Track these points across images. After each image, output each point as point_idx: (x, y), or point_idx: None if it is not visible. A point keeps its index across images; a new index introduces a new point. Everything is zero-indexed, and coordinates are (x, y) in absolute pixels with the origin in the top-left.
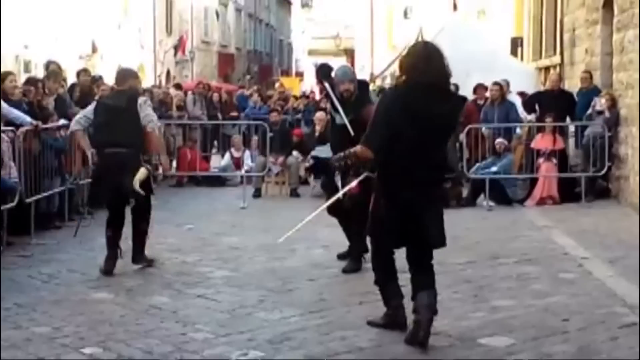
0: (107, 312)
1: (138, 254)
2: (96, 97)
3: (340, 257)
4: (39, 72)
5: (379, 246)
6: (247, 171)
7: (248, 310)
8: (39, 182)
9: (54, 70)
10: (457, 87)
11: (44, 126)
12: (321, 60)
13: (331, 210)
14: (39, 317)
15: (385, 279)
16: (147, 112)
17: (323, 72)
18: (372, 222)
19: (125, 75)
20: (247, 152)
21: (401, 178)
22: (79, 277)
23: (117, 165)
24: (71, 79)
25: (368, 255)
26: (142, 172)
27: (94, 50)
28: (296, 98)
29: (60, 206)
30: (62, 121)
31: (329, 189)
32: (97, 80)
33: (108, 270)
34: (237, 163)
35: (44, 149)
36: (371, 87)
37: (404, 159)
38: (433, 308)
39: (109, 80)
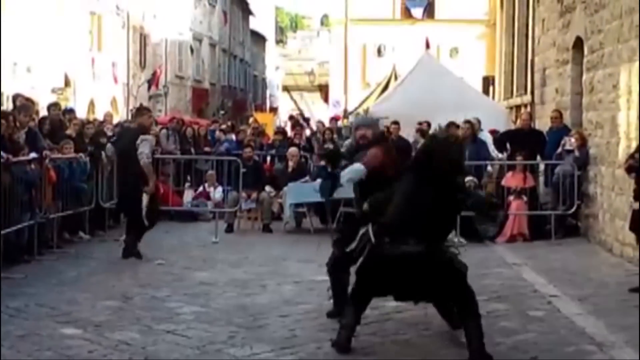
0: (75, 348)
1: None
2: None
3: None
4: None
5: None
6: (216, 205)
7: (218, 347)
8: (8, 215)
9: (25, 104)
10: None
11: (15, 159)
12: (296, 94)
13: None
14: (5, 352)
15: (354, 301)
16: (141, 149)
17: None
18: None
19: (136, 114)
20: (219, 188)
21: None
22: (47, 312)
23: (132, 189)
24: (43, 112)
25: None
26: (144, 197)
27: (67, 83)
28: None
29: (29, 240)
30: (33, 155)
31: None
32: (69, 113)
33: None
34: (207, 196)
35: (14, 183)
36: (344, 123)
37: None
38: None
39: (81, 113)
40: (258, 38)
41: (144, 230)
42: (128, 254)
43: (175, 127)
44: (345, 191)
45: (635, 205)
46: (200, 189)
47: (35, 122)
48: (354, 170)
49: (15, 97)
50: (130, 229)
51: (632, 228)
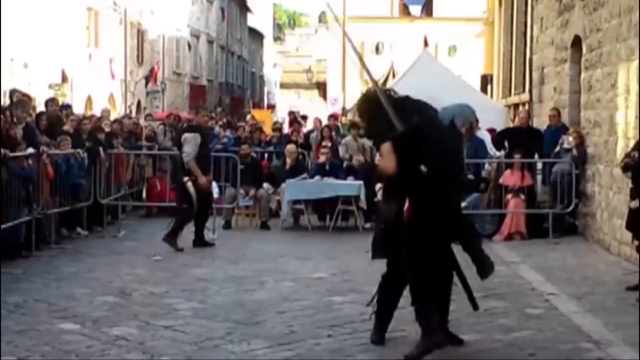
0: (73, 343)
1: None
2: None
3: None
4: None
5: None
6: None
7: (216, 342)
8: (5, 211)
9: (22, 99)
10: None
11: (12, 155)
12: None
13: None
14: (3, 347)
15: (422, 295)
16: (184, 148)
17: None
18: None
19: (195, 112)
20: (214, 184)
21: None
22: (45, 307)
23: (180, 182)
24: (40, 108)
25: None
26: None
27: (64, 79)
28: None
29: (27, 236)
30: (30, 150)
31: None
32: (66, 109)
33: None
34: None
35: (11, 178)
36: (343, 120)
37: None
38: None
39: (79, 109)
40: (256, 35)
41: (185, 221)
42: (198, 243)
43: (172, 123)
44: (344, 189)
45: (633, 204)
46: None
47: (32, 117)
48: None
49: (12, 93)
50: (196, 220)
51: (629, 226)
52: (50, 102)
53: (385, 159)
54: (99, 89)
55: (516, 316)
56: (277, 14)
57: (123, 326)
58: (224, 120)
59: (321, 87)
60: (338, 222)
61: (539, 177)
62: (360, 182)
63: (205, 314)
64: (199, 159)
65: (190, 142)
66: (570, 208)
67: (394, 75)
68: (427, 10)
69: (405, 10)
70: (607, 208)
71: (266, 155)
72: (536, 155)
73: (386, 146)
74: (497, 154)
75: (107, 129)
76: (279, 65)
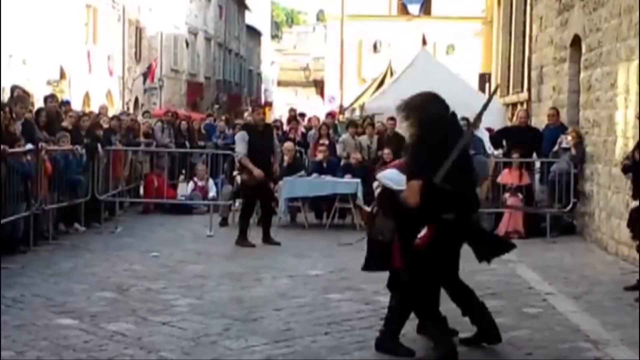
0: (71, 338)
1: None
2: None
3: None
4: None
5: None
6: (212, 199)
7: (213, 339)
8: (4, 206)
9: (21, 96)
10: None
11: (11, 150)
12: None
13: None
14: (2, 342)
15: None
16: (236, 147)
17: None
18: None
19: (253, 110)
20: (211, 181)
21: None
22: (43, 302)
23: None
24: (39, 104)
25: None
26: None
27: (62, 76)
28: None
29: (25, 231)
30: (29, 146)
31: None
32: (64, 105)
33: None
34: (203, 192)
35: (10, 174)
36: (340, 118)
37: None
38: None
39: (77, 106)
40: (253, 32)
41: (245, 217)
42: (238, 242)
43: (169, 120)
44: (341, 187)
45: (633, 204)
46: (192, 184)
47: (32, 113)
48: None
49: (13, 89)
50: (262, 219)
51: (630, 225)
52: (49, 98)
53: (412, 195)
54: (97, 85)
55: (513, 315)
56: (274, 12)
57: (120, 322)
58: (222, 118)
59: (318, 85)
60: (335, 219)
61: (537, 176)
62: (358, 180)
63: (202, 310)
64: (250, 156)
65: (240, 141)
66: (569, 207)
67: (391, 74)
68: (426, 9)
69: (403, 9)
70: (606, 208)
71: None
72: (534, 155)
73: (416, 185)
74: (495, 152)
75: (105, 126)
76: (276, 63)
